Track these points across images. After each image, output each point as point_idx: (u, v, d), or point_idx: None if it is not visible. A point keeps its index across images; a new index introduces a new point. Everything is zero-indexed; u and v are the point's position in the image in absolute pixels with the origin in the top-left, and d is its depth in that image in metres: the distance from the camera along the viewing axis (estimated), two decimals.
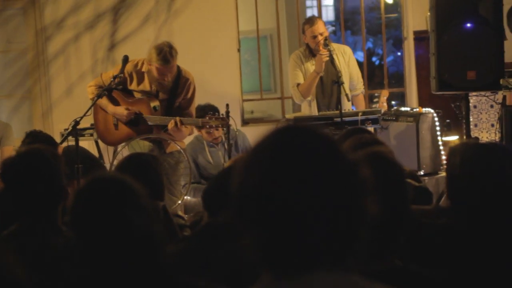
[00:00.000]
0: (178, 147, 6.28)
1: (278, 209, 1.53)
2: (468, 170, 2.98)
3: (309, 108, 7.10)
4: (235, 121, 6.76)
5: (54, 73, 8.33)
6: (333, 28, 17.56)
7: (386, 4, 10.06)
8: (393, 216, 2.35)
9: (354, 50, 15.88)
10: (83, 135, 7.21)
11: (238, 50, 8.45)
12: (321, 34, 6.88)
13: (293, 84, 7.06)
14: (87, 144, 7.36)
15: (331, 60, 6.66)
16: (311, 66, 6.99)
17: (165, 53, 6.01)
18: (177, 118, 6.01)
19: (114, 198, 2.41)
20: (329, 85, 7.03)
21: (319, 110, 7.01)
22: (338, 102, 6.88)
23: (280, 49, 8.75)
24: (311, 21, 7.00)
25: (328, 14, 18.03)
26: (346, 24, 15.98)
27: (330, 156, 1.57)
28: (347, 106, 6.85)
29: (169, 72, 6.10)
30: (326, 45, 6.81)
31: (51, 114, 8.11)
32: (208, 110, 6.83)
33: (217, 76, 8.25)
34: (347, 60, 7.02)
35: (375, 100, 7.68)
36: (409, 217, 2.42)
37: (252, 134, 7.29)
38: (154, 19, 8.15)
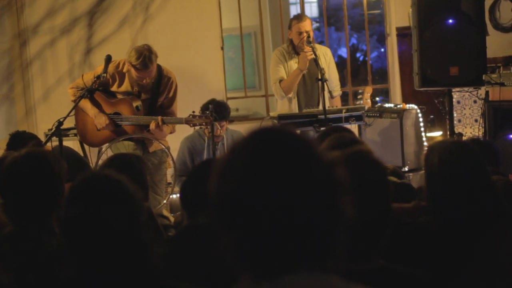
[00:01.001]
0: (162, 146, 6.27)
1: (254, 212, 1.53)
2: (445, 168, 3.00)
3: (289, 105, 7.12)
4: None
5: (35, 74, 8.30)
6: (317, 24, 17.58)
7: (369, 1, 10.11)
8: (375, 216, 2.36)
9: (338, 46, 15.96)
10: (68, 135, 7.18)
11: (222, 48, 8.44)
12: (306, 32, 6.91)
13: (274, 80, 7.08)
14: (71, 144, 7.33)
15: (315, 58, 6.67)
16: (294, 64, 7.02)
17: (144, 57, 5.96)
18: (159, 118, 6.00)
19: (107, 197, 2.45)
20: (310, 82, 7.06)
21: (299, 107, 7.04)
22: (319, 100, 6.93)
23: (263, 46, 8.76)
24: (299, 17, 7.04)
25: (312, 10, 18.04)
26: (330, 20, 16.04)
27: (304, 157, 1.58)
28: (329, 104, 6.86)
29: (147, 76, 6.07)
30: (309, 42, 6.83)
31: (35, 114, 8.08)
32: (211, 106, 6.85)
33: (201, 74, 8.25)
34: (328, 62, 7.04)
35: (359, 96, 7.68)
36: (391, 216, 2.43)
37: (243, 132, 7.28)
38: (134, 19, 8.13)
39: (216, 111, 6.32)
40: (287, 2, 12.15)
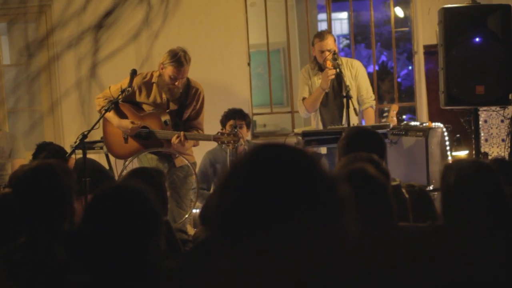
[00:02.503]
0: (186, 162, 6.29)
1: (253, 228, 1.53)
2: (461, 188, 2.98)
3: (315, 122, 7.16)
4: (244, 135, 6.81)
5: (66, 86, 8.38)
6: (347, 41, 17.57)
7: (398, 18, 10.08)
8: (376, 232, 2.35)
9: (368, 63, 15.93)
10: (93, 148, 7.24)
11: (248, 64, 8.47)
12: (329, 50, 6.92)
13: (299, 98, 7.15)
14: (97, 157, 7.38)
15: (338, 75, 6.69)
16: (317, 80, 7.04)
17: (180, 56, 6.07)
18: (182, 133, 6.03)
19: (125, 209, 2.50)
20: (334, 99, 7.06)
21: (323, 124, 7.06)
22: (342, 116, 6.94)
23: (290, 62, 8.76)
24: (321, 35, 7.04)
25: (343, 27, 18.05)
26: (361, 37, 16.01)
27: (305, 173, 1.57)
28: (355, 121, 6.85)
29: (180, 77, 6.12)
30: (334, 59, 6.85)
31: (62, 127, 8.15)
32: (233, 116, 6.88)
33: (227, 90, 8.27)
34: (355, 74, 7.03)
35: (385, 114, 7.66)
36: (393, 233, 2.41)
37: None
38: (166, 33, 8.17)
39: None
40: (316, 19, 12.15)
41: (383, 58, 16.20)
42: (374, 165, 3.22)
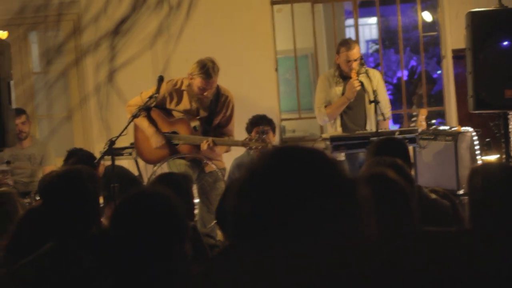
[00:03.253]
0: (214, 167, 6.31)
1: (272, 231, 1.53)
2: (489, 193, 2.95)
3: (333, 127, 7.14)
4: (271, 140, 6.82)
5: (94, 90, 8.45)
6: (377, 46, 17.53)
7: (427, 23, 10.03)
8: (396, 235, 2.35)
9: (398, 68, 15.86)
10: (122, 154, 7.29)
11: (276, 70, 8.47)
12: (355, 60, 6.91)
13: (318, 104, 7.13)
14: (126, 163, 7.43)
15: (362, 82, 6.74)
16: (338, 90, 7.02)
17: (208, 68, 6.10)
18: (210, 139, 6.06)
19: (151, 214, 2.53)
20: (355, 104, 7.05)
21: (343, 129, 7.04)
22: (365, 122, 6.94)
23: (317, 68, 8.74)
24: (348, 44, 6.99)
25: (372, 32, 18.01)
26: (390, 42, 15.95)
27: (324, 174, 1.57)
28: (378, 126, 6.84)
29: (209, 88, 6.16)
30: (362, 64, 6.86)
31: (91, 133, 8.21)
32: (258, 122, 6.89)
33: (254, 96, 8.28)
34: (376, 84, 7.01)
35: (413, 119, 7.62)
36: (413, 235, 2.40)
37: None
38: (191, 38, 8.22)
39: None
40: (343, 24, 12.11)
41: (413, 63, 16.13)
42: (397, 169, 3.23)
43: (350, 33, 16.61)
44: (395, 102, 12.48)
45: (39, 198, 3.72)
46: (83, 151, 6.77)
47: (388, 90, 13.85)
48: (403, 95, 8.83)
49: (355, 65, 6.92)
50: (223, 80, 7.69)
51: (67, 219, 3.28)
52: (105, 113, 7.74)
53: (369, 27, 17.45)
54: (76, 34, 8.41)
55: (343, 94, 6.99)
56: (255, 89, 8.31)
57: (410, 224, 2.39)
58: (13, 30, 8.38)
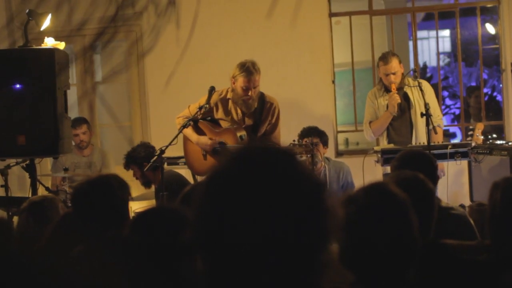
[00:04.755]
0: None
1: (232, 239, 1.53)
2: (509, 206, 2.93)
3: (380, 140, 7.15)
4: (320, 152, 6.85)
5: (153, 100, 8.62)
6: (448, 59, 17.34)
7: (490, 35, 9.89)
8: (397, 248, 2.34)
9: (468, 81, 15.66)
10: (177, 164, 7.39)
11: (333, 82, 8.48)
12: (393, 73, 6.91)
13: (365, 121, 7.15)
14: (184, 172, 7.53)
15: (406, 93, 6.73)
16: (383, 101, 7.02)
17: (248, 66, 6.17)
18: None
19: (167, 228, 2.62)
20: (401, 116, 7.02)
21: (389, 141, 7.03)
22: (411, 134, 6.90)
23: (375, 81, 8.68)
24: (385, 58, 7.01)
25: (444, 45, 17.84)
26: (462, 55, 15.75)
27: (286, 181, 1.54)
28: (422, 139, 6.80)
29: (252, 86, 6.20)
30: (415, 77, 6.85)
31: (150, 141, 8.36)
32: (307, 134, 6.91)
33: (311, 107, 8.31)
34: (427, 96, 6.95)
35: (470, 133, 7.53)
36: (416, 250, 2.39)
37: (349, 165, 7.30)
38: (251, 50, 8.30)
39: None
40: (407, 37, 11.99)
41: (484, 76, 15.91)
42: (417, 183, 3.22)
43: (421, 45, 16.51)
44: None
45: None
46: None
47: (457, 103, 13.68)
48: (462, 109, 8.72)
49: (393, 78, 6.92)
50: (280, 91, 7.75)
51: (94, 224, 3.38)
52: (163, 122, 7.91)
53: (442, 39, 17.30)
54: (139, 45, 8.60)
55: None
56: (312, 100, 8.33)
57: (410, 236, 2.38)
58: (78, 41, 8.62)
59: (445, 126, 8.41)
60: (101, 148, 8.48)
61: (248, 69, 6.15)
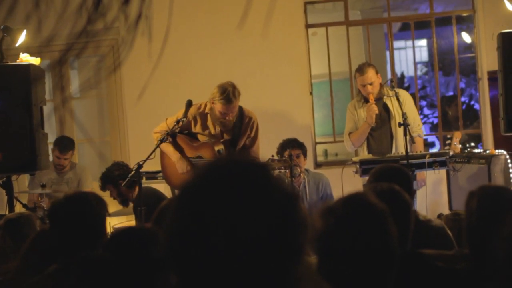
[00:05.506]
0: None
1: (202, 253, 1.52)
2: (484, 214, 2.93)
3: (360, 151, 7.19)
4: (302, 164, 6.86)
5: (131, 115, 8.58)
6: (426, 69, 17.43)
7: (466, 44, 9.94)
8: (375, 260, 2.34)
9: (446, 90, 15.75)
10: (156, 178, 7.36)
11: (311, 93, 8.49)
12: (370, 84, 6.93)
13: (345, 132, 7.18)
14: (162, 187, 7.49)
15: (385, 104, 6.74)
16: (363, 112, 7.03)
17: (228, 92, 6.13)
18: None
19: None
20: (380, 127, 7.04)
21: (369, 151, 7.05)
22: (391, 144, 6.92)
23: (352, 91, 8.70)
24: (361, 70, 7.02)
25: (422, 54, 17.94)
26: (439, 65, 15.85)
27: (257, 194, 1.53)
28: (410, 148, 6.80)
29: (230, 112, 6.20)
30: (392, 87, 6.87)
31: (129, 157, 8.32)
32: (288, 146, 6.90)
33: (289, 118, 8.31)
34: (402, 102, 6.96)
35: (448, 142, 7.54)
36: (395, 260, 2.39)
37: (327, 176, 7.29)
38: (227, 61, 8.30)
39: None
40: (384, 47, 12.04)
41: (461, 85, 16.00)
42: (392, 194, 3.23)
43: (398, 55, 16.59)
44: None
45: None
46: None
47: (435, 112, 13.74)
48: (439, 118, 8.76)
49: (370, 89, 6.93)
50: (258, 103, 7.75)
51: (71, 241, 3.35)
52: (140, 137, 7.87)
53: (419, 49, 17.40)
54: (114, 59, 8.57)
55: None
56: (290, 112, 8.33)
57: (389, 246, 2.37)
58: (53, 56, 8.58)
59: (427, 135, 8.44)
60: (78, 164, 8.43)
61: (228, 97, 6.12)
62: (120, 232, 2.83)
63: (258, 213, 1.52)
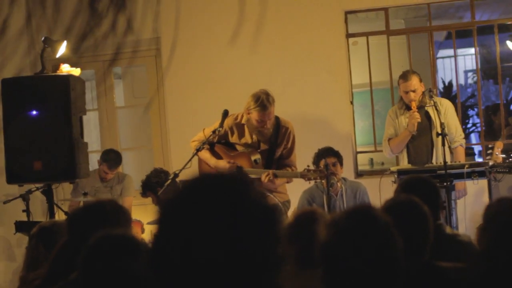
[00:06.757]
0: (276, 200, 6.37)
1: (181, 264, 1.56)
2: (493, 225, 2.92)
3: (400, 160, 7.15)
4: (339, 172, 6.86)
5: (173, 124, 8.67)
6: (476, 77, 17.22)
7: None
8: (381, 269, 2.36)
9: (497, 99, 15.54)
10: None
11: (351, 102, 8.48)
12: (413, 91, 6.90)
13: (385, 138, 7.13)
14: None
15: (427, 112, 6.68)
16: (404, 119, 7.01)
17: (262, 100, 6.19)
18: (270, 172, 6.13)
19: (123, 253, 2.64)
20: (421, 136, 7.00)
21: (409, 160, 7.01)
22: (431, 153, 6.86)
23: (393, 101, 8.63)
24: (405, 76, 7.02)
25: (473, 63, 17.73)
26: (490, 73, 15.62)
27: (233, 207, 1.56)
28: (451, 157, 6.75)
29: (267, 119, 6.25)
30: (430, 96, 6.81)
31: (171, 165, 8.40)
32: (324, 155, 6.91)
33: (329, 128, 8.30)
34: (443, 112, 6.93)
35: (489, 151, 7.45)
36: (399, 272, 2.40)
37: (366, 186, 7.28)
38: (269, 70, 8.34)
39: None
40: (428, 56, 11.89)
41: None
42: (411, 206, 3.25)
43: (440, 64, 16.43)
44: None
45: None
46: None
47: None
48: (481, 127, 8.66)
49: (413, 96, 6.91)
50: (297, 112, 7.77)
51: None
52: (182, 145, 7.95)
53: (470, 57, 17.19)
54: (158, 69, 8.69)
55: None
56: (331, 121, 8.33)
57: (392, 258, 2.39)
58: (98, 66, 8.73)
59: (468, 145, 8.35)
60: (122, 172, 8.55)
61: (263, 104, 6.19)
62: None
63: (236, 226, 1.56)
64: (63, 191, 8.67)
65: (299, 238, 3.23)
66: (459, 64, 17.36)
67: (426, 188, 4.13)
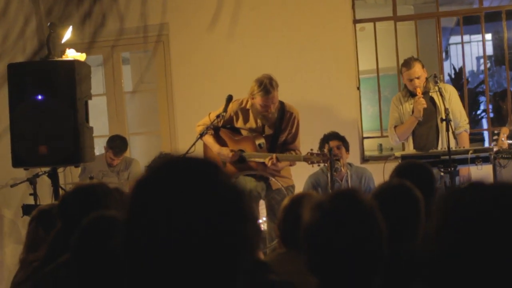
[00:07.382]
0: (279, 185, 6.40)
1: (148, 246, 1.56)
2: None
3: (406, 145, 7.14)
4: (344, 157, 6.87)
5: (180, 109, 8.70)
6: (489, 63, 17.14)
7: None
8: (365, 255, 2.38)
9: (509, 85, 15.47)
10: None
11: (358, 88, 8.47)
12: (417, 78, 6.91)
13: (390, 125, 7.14)
14: None
15: (432, 98, 6.66)
16: (409, 106, 7.01)
17: (265, 84, 6.22)
18: (274, 155, 6.16)
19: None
20: (426, 122, 6.99)
21: (414, 146, 7.01)
22: (437, 139, 6.86)
23: (400, 87, 8.62)
24: (408, 64, 7.02)
25: (487, 48, 17.62)
26: (502, 59, 15.53)
27: (202, 187, 1.57)
28: (457, 142, 6.76)
29: (271, 103, 6.28)
30: (436, 82, 6.80)
31: (178, 150, 8.42)
32: (328, 138, 6.93)
33: (336, 114, 8.31)
34: (448, 98, 6.92)
35: (495, 137, 7.43)
36: (382, 256, 2.42)
37: (373, 172, 7.28)
38: (275, 58, 8.34)
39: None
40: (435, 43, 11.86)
41: None
42: (403, 190, 3.27)
43: (454, 50, 16.36)
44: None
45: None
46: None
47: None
48: (488, 113, 8.64)
49: (417, 83, 6.92)
50: (304, 98, 7.78)
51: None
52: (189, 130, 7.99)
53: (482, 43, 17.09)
54: (166, 55, 8.71)
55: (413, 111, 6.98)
56: (337, 107, 8.33)
57: (376, 242, 2.41)
58: (106, 51, 8.77)
59: (474, 130, 8.33)
60: (129, 156, 8.60)
61: (266, 88, 6.22)
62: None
63: (204, 207, 1.57)
64: (71, 174, 8.71)
65: (287, 220, 3.26)
66: (472, 50, 17.28)
67: (420, 172, 4.15)
